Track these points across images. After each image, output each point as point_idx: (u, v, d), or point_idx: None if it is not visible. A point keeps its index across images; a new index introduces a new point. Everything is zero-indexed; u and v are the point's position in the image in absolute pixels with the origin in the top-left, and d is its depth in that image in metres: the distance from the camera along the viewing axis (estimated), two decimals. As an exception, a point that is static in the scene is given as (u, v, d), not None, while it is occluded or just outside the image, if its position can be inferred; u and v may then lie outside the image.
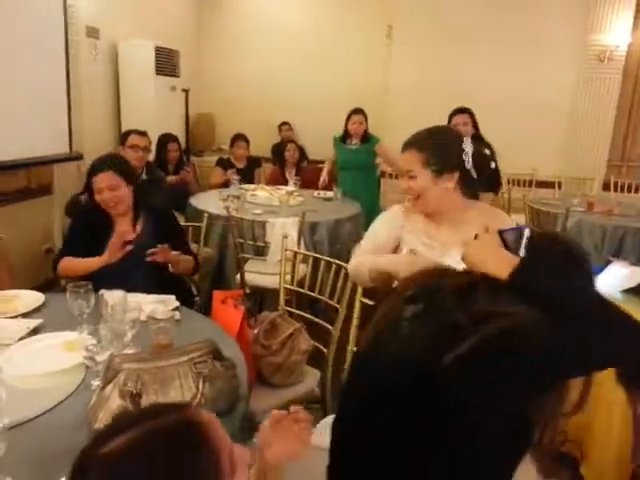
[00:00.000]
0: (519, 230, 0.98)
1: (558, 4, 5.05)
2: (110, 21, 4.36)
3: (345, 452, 0.99)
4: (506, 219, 1.66)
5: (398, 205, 1.78)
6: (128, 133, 3.52)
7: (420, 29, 5.36)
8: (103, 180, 2.10)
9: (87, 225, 2.18)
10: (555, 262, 0.89)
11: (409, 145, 1.61)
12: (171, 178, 4.19)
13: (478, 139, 3.85)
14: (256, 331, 2.02)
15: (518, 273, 0.88)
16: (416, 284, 0.97)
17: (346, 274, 2.08)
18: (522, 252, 0.95)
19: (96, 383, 1.32)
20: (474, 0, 5.18)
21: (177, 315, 1.70)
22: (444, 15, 5.26)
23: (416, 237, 1.67)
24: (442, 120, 5.18)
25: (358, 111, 4.17)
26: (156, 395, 1.14)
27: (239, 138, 4.69)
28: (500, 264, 0.91)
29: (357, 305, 1.98)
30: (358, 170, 4.23)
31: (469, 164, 1.56)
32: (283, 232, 2.74)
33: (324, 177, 4.42)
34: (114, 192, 2.10)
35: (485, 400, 0.83)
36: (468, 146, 1.57)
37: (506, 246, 0.97)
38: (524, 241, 0.95)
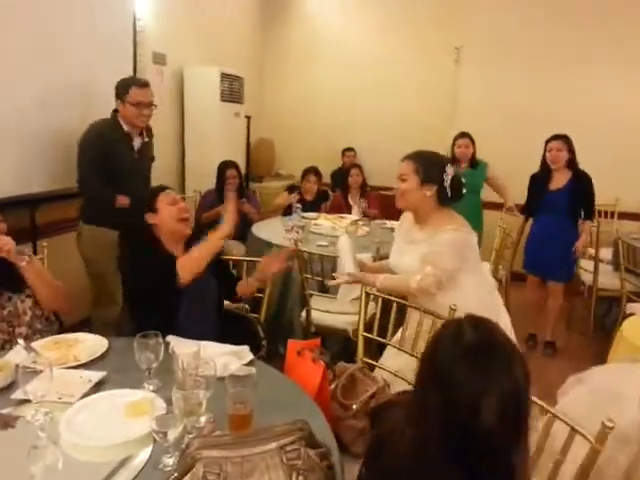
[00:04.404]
0: None
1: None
2: (176, 47, 4.35)
3: None
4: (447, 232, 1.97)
5: None
6: None
7: (489, 50, 5.11)
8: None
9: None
10: None
11: (408, 156, 2.06)
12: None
13: (573, 168, 3.48)
14: (333, 386, 1.79)
15: None
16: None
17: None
18: None
19: (167, 461, 1.12)
20: (544, 18, 4.87)
21: (253, 370, 1.49)
22: (513, 34, 4.98)
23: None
24: (510, 140, 4.90)
25: (464, 135, 3.99)
26: (241, 492, 0.92)
27: (310, 172, 4.47)
28: None
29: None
30: (468, 194, 3.90)
31: (447, 183, 2.01)
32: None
33: None
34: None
35: None
36: (450, 170, 2.03)
37: None
38: None
